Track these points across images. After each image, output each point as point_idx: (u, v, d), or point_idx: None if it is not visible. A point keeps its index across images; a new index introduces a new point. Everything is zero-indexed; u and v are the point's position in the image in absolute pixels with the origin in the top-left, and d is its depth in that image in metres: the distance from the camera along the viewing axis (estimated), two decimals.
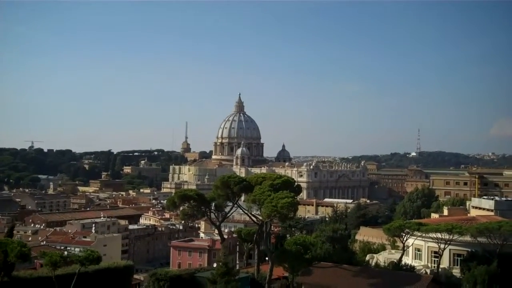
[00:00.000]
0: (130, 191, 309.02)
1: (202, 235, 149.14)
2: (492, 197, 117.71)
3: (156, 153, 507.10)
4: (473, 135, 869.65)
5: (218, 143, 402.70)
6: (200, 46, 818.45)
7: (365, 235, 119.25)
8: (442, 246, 71.33)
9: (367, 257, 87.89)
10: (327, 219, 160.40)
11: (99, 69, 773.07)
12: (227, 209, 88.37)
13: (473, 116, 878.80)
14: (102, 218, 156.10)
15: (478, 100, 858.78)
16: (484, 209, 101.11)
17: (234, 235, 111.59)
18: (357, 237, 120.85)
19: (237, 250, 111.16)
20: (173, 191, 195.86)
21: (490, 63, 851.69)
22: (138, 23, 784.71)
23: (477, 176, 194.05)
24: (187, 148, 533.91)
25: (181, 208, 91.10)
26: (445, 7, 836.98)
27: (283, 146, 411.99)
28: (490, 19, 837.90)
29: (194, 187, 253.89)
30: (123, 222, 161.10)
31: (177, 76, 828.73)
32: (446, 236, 69.85)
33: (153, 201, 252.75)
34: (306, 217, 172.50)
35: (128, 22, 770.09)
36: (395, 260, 77.50)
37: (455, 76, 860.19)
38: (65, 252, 76.12)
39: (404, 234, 74.70)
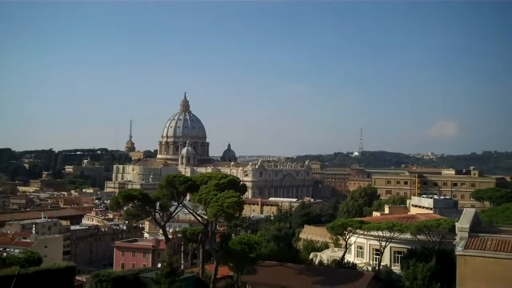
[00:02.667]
0: (72, 191, 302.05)
1: (146, 235, 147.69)
2: (431, 195, 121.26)
3: (99, 152, 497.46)
4: (413, 135, 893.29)
5: (163, 142, 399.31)
6: (145, 44, 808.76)
7: (309, 233, 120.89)
8: (383, 243, 73.21)
9: (311, 255, 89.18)
10: (272, 218, 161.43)
11: (38, 66, 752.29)
12: (172, 209, 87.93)
13: (413, 117, 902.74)
14: (43, 218, 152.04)
15: (418, 102, 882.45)
16: (423, 207, 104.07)
17: (179, 235, 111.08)
18: (301, 235, 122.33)
19: (182, 250, 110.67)
20: (117, 191, 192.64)
21: (429, 66, 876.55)
22: (83, 19, 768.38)
23: (417, 176, 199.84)
24: (131, 147, 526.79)
25: (125, 208, 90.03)
26: (385, 11, 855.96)
27: (229, 145, 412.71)
28: (429, 24, 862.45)
29: (138, 186, 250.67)
30: (64, 222, 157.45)
31: (121, 73, 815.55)
32: (387, 234, 71.70)
33: (96, 201, 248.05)
34: (251, 216, 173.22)
35: (70, 17, 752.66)
36: (338, 258, 78.96)
37: (396, 78, 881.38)
38: (4, 254, 74.02)
39: (346, 232, 76.20)
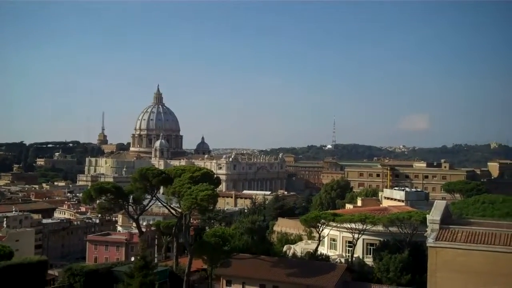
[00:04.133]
0: (44, 184, 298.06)
1: (119, 228, 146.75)
2: (403, 188, 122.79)
3: (71, 144, 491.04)
4: (385, 128, 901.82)
5: (136, 135, 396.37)
6: (118, 36, 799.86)
7: (283, 226, 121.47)
8: (356, 236, 74.00)
9: (285, 248, 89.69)
10: (245, 211, 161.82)
11: (8, 57, 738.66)
12: (145, 202, 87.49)
13: (385, 110, 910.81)
14: (14, 212, 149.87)
15: (390, 95, 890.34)
16: (395, 199, 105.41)
17: (153, 228, 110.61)
18: (275, 228, 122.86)
19: (156, 243, 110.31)
20: (89, 184, 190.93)
21: (400, 59, 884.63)
22: (54, 11, 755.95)
23: (389, 168, 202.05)
24: (103, 140, 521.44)
25: (97, 202, 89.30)
26: (357, 4, 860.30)
27: (203, 138, 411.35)
28: (401, 17, 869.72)
29: (111, 180, 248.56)
30: (36, 216, 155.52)
31: (92, 65, 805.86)
32: (359, 226, 72.48)
33: (68, 194, 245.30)
34: (225, 209, 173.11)
35: (41, 9, 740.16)
36: (311, 250, 79.56)
37: (368, 71, 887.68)
38: None
39: (320, 225, 76.79)
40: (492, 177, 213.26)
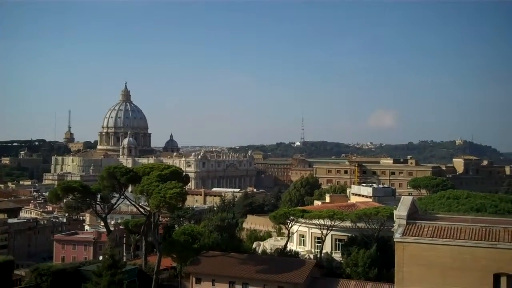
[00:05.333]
0: (9, 183, 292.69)
1: (87, 227, 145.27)
2: (370, 184, 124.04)
3: (36, 143, 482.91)
4: (353, 125, 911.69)
5: (103, 133, 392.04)
6: (85, 34, 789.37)
7: (252, 223, 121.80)
8: (324, 232, 74.54)
9: (254, 245, 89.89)
10: (215, 208, 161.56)
11: None
12: (113, 201, 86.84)
13: (353, 107, 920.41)
14: None
15: (357, 92, 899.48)
16: (363, 195, 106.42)
17: (121, 227, 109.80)
18: (245, 225, 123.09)
19: (124, 242, 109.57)
20: (56, 183, 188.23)
21: (367, 57, 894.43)
22: (22, 8, 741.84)
23: (356, 165, 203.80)
24: (70, 138, 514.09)
25: (64, 201, 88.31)
26: (327, 3, 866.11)
27: (171, 136, 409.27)
28: (367, 14, 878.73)
29: (78, 178, 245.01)
30: (1, 215, 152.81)
31: (58, 62, 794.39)
32: (328, 222, 73.01)
33: (34, 193, 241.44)
34: (194, 206, 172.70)
35: (5, 5, 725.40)
36: (281, 247, 79.89)
37: (336, 68, 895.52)
38: None
39: (289, 221, 77.07)
40: (457, 173, 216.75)
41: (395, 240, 41.35)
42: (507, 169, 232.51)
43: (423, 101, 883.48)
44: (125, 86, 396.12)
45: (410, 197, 47.93)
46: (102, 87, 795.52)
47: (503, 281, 38.05)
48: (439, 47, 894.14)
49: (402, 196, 51.76)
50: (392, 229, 42.95)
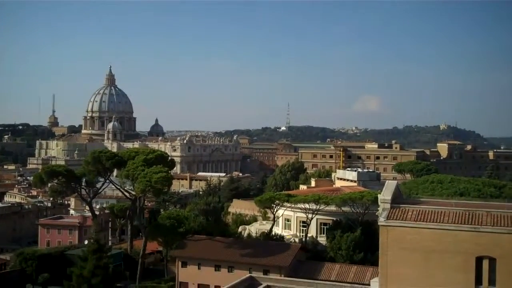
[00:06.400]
0: None
1: (72, 212, 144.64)
2: (355, 168, 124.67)
3: (20, 127, 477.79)
4: (338, 110, 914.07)
5: (88, 117, 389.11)
6: (70, 17, 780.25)
7: (238, 207, 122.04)
8: (309, 216, 75.01)
9: (240, 229, 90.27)
10: (200, 193, 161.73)
11: None
12: (98, 185, 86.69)
13: (339, 92, 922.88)
14: None
15: (342, 77, 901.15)
16: (348, 180, 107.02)
17: (107, 211, 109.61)
18: (230, 209, 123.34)
19: (110, 226, 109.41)
20: (40, 167, 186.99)
21: (353, 43, 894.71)
22: None
23: (341, 149, 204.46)
24: (54, 122, 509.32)
25: (49, 185, 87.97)
26: None
27: (156, 120, 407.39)
28: (355, 1, 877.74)
29: (63, 163, 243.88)
30: None
31: (42, 45, 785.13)
32: (313, 206, 73.44)
33: (19, 178, 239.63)
34: (180, 191, 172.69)
35: None
36: (266, 231, 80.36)
37: (321, 53, 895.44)
38: None
39: (274, 206, 77.49)
40: (441, 158, 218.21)
41: (379, 224, 41.67)
42: (491, 153, 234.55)
43: (408, 86, 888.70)
44: (110, 70, 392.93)
45: (395, 182, 48.27)
46: (87, 71, 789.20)
47: (485, 264, 38.58)
48: (424, 34, 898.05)
49: (387, 181, 52.10)
50: (376, 213, 43.23)
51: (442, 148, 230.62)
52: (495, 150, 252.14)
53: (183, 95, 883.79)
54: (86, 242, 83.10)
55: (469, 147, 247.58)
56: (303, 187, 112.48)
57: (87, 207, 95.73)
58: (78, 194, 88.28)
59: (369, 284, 48.89)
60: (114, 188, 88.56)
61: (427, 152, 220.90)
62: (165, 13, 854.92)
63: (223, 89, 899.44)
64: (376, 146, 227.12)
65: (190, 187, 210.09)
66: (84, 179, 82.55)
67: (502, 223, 38.91)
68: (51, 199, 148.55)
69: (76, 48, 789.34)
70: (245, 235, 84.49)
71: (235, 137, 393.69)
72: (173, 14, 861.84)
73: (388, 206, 42.27)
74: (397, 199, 44.03)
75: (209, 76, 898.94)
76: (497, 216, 39.74)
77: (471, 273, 38.72)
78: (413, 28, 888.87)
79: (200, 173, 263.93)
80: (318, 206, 73.45)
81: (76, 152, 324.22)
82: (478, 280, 38.74)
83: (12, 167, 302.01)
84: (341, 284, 55.34)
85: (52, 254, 74.83)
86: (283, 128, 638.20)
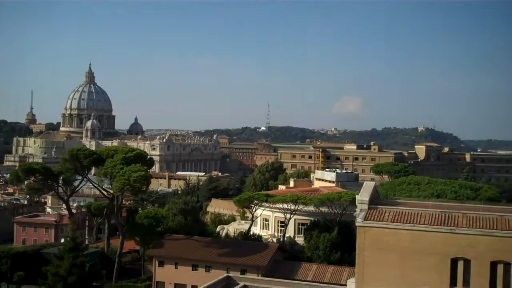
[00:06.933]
0: None
1: (49, 210, 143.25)
2: (333, 169, 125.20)
3: None
4: (318, 111, 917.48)
5: (66, 115, 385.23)
6: (49, 13, 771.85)
7: (216, 207, 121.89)
8: (288, 216, 75.18)
9: (218, 228, 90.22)
10: (179, 192, 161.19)
11: None
12: (76, 183, 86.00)
13: (319, 93, 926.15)
14: None
15: (323, 78, 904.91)
16: (326, 180, 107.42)
17: (84, 210, 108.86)
18: (209, 209, 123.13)
19: (87, 224, 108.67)
20: (17, 164, 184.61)
21: (333, 44, 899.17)
22: None
23: (320, 150, 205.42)
24: (32, 119, 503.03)
25: (26, 182, 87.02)
26: None
27: (136, 118, 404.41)
28: (337, 0, 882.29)
29: (40, 160, 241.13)
30: None
31: (20, 42, 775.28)
32: (291, 206, 73.65)
33: None
34: (159, 190, 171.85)
35: None
36: (244, 230, 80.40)
37: (301, 55, 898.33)
38: None
39: (253, 205, 77.57)
40: (419, 159, 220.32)
41: (356, 224, 41.94)
42: (467, 156, 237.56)
43: (387, 88, 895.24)
44: (89, 67, 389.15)
45: (372, 183, 48.62)
46: (66, 68, 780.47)
47: (460, 265, 39.04)
48: (403, 37, 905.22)
49: (365, 182, 52.45)
50: (354, 214, 43.54)
51: (420, 150, 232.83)
52: (471, 153, 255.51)
53: (163, 93, 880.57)
54: (62, 240, 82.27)
55: (446, 149, 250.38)
56: (282, 187, 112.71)
57: (64, 205, 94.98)
58: (55, 192, 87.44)
59: (345, 285, 49.10)
60: (92, 186, 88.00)
61: (405, 153, 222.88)
62: (145, 12, 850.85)
63: (203, 88, 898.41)
64: (355, 147, 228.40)
65: (169, 186, 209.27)
66: (61, 177, 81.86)
67: (477, 225, 39.43)
68: (28, 196, 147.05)
69: (55, 45, 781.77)
70: (223, 235, 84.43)
71: (214, 136, 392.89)
72: (153, 13, 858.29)
73: (365, 207, 42.55)
74: (375, 200, 44.35)
75: (189, 75, 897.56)
76: (472, 218, 40.26)
77: (446, 274, 39.17)
78: (392, 30, 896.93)
79: (179, 172, 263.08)
80: (296, 206, 73.68)
81: (53, 149, 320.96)
82: (453, 281, 39.21)
83: None
84: (317, 284, 55.53)
85: (28, 252, 74.04)
86: (263, 128, 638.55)
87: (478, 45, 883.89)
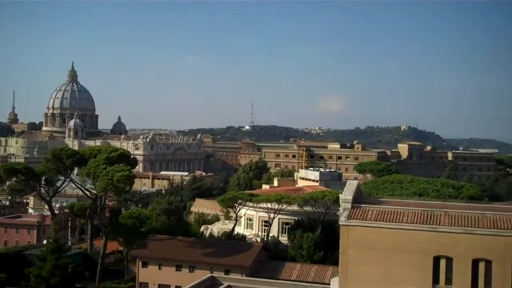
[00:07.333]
0: None
1: (31, 211, 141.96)
2: (317, 168, 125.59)
3: None
4: (302, 110, 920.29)
5: (49, 114, 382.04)
6: (31, 11, 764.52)
7: (200, 206, 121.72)
8: (272, 215, 75.31)
9: (202, 228, 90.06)
10: (163, 191, 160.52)
11: None
12: (58, 184, 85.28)
13: (303, 92, 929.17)
14: None
15: (307, 78, 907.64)
16: (310, 179, 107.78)
17: (66, 210, 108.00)
18: (193, 209, 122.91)
19: (69, 225, 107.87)
20: None
21: (317, 42, 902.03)
22: None
23: (304, 149, 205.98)
24: (14, 119, 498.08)
25: (7, 183, 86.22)
26: None
27: (119, 118, 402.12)
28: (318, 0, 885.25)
29: (22, 160, 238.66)
30: None
31: (1, 41, 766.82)
32: (275, 206, 73.73)
33: None
34: (142, 190, 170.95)
35: None
36: (228, 230, 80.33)
37: (285, 54, 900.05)
38: None
39: (237, 205, 77.53)
40: (402, 158, 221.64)
41: (340, 223, 42.13)
42: (449, 154, 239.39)
43: (371, 87, 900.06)
44: (72, 66, 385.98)
45: (356, 182, 48.89)
46: (48, 68, 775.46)
47: (443, 263, 39.41)
48: (387, 34, 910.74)
49: (348, 180, 52.72)
50: (337, 213, 43.70)
51: (403, 149, 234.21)
52: (453, 151, 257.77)
53: (146, 93, 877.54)
54: (45, 241, 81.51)
55: (428, 148, 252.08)
56: (266, 186, 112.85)
57: (46, 206, 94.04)
58: (37, 192, 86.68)
59: (329, 284, 49.35)
60: (75, 186, 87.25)
61: (388, 152, 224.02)
62: (128, 11, 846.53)
63: (187, 87, 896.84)
64: (338, 146, 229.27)
65: (153, 186, 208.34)
66: (43, 177, 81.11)
67: (459, 223, 39.82)
68: (9, 197, 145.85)
69: (37, 44, 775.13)
70: (207, 235, 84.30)
71: (198, 136, 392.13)
72: (136, 12, 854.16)
73: (349, 206, 42.77)
74: (358, 199, 44.59)
75: (173, 74, 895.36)
76: (454, 216, 40.66)
77: (429, 272, 39.52)
78: (376, 29, 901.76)
79: (162, 172, 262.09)
80: (280, 206, 73.79)
81: (36, 149, 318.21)
82: (436, 279, 39.56)
83: None
84: (301, 283, 55.73)
85: (10, 253, 73.32)
86: (247, 127, 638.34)
87: (462, 45, 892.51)
